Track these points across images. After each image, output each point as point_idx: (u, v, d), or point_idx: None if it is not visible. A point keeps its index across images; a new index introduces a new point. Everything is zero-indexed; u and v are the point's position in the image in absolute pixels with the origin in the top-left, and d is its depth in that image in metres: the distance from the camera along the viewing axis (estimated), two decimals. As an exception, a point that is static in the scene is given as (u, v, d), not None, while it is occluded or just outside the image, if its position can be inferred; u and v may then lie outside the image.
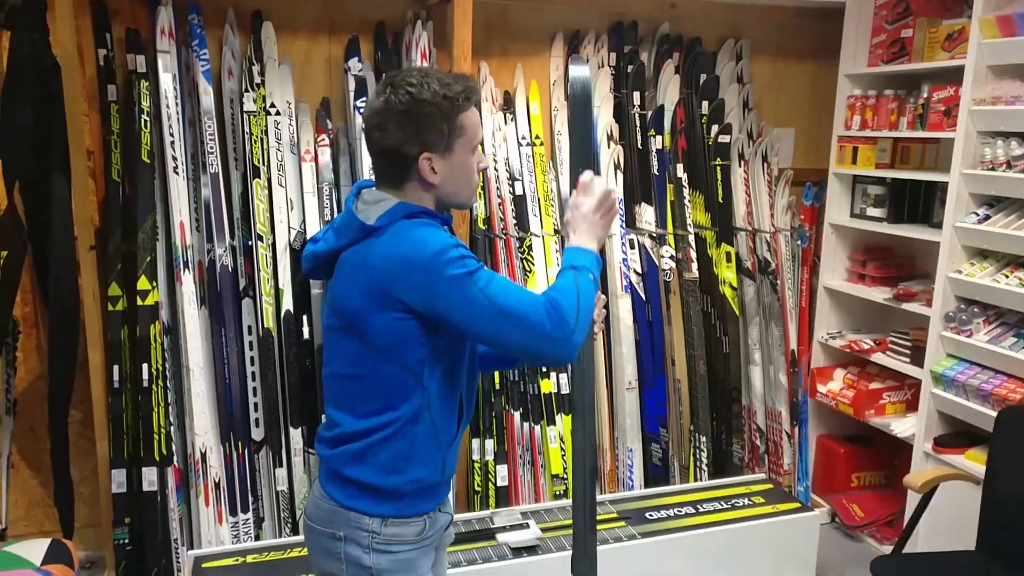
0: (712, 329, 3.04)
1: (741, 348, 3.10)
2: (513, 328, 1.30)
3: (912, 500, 2.70)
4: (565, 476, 2.87)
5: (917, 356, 2.81)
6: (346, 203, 1.46)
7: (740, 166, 3.07)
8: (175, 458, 2.50)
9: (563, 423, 2.87)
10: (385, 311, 1.34)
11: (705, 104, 3.02)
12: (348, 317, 1.40)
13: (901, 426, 2.91)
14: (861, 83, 3.02)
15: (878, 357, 3.00)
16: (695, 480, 3.02)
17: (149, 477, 2.48)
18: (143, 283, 2.45)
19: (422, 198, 1.41)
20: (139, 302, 2.45)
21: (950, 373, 2.64)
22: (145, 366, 2.45)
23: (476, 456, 2.79)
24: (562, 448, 2.86)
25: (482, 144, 1.44)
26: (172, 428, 2.50)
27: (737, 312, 3.05)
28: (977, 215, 2.59)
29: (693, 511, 2.75)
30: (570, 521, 2.64)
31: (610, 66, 2.93)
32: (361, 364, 1.40)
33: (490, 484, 2.81)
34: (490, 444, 2.80)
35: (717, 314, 3.03)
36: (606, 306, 1.66)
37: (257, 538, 2.60)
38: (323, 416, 1.53)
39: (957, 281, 2.62)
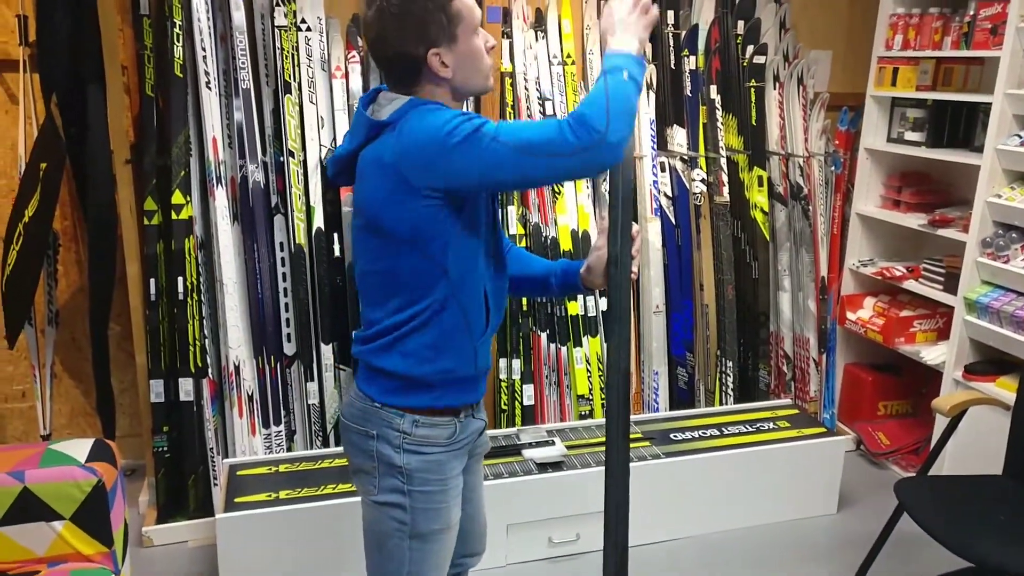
0: (742, 254, 3.02)
1: (770, 274, 3.08)
2: (539, 159, 1.29)
3: (939, 426, 2.70)
4: (591, 397, 2.90)
5: (951, 283, 2.78)
6: (359, 103, 1.46)
7: (775, 88, 3.00)
8: (210, 370, 2.57)
9: (589, 345, 2.89)
10: (407, 201, 1.35)
11: (740, 24, 2.94)
12: (369, 214, 1.42)
13: (931, 354, 2.89)
14: (904, 0, 2.92)
15: (910, 284, 2.96)
16: (720, 404, 3.04)
17: (185, 388, 2.55)
18: (177, 197, 2.48)
19: (435, 93, 1.40)
20: (173, 216, 2.48)
21: (984, 300, 2.60)
22: (180, 279, 2.50)
23: (503, 375, 2.83)
24: (588, 369, 2.89)
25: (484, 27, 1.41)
26: (207, 341, 2.56)
27: (768, 237, 3.03)
28: (1020, 137, 2.51)
29: (718, 433, 2.78)
30: (595, 439, 2.69)
31: (644, -17, 2.85)
32: (385, 258, 1.41)
33: (516, 403, 2.85)
34: (517, 364, 2.83)
35: (747, 239, 3.01)
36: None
37: (289, 450, 2.68)
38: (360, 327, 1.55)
39: (996, 205, 2.57)
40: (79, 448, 1.93)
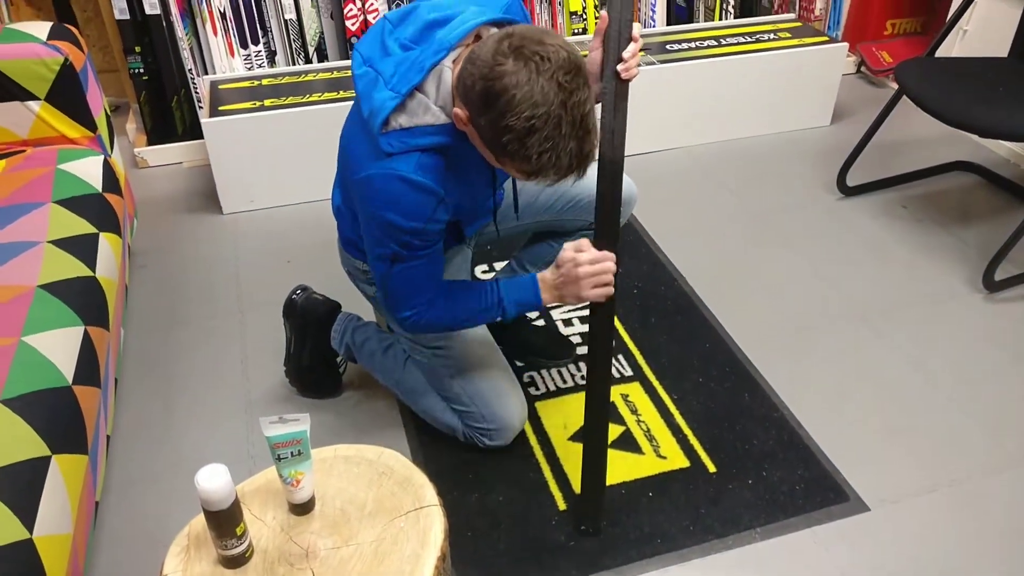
0: None
1: None
2: (380, 290, 1.33)
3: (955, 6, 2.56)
4: (584, 14, 2.74)
5: None
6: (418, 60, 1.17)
7: None
8: (174, -18, 2.39)
9: (583, -45, 2.67)
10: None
11: None
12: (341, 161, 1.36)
13: (951, -51, 2.68)
14: None
15: None
16: (720, 21, 2.89)
17: (149, 0, 2.39)
18: None
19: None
20: None
21: None
22: None
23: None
24: (581, -17, 2.70)
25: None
26: (165, -53, 2.35)
27: None
28: None
29: (716, 44, 2.66)
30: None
31: None
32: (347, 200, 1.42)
33: (506, 20, 2.70)
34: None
35: None
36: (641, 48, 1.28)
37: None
38: None
39: None
40: (38, 29, 1.82)
